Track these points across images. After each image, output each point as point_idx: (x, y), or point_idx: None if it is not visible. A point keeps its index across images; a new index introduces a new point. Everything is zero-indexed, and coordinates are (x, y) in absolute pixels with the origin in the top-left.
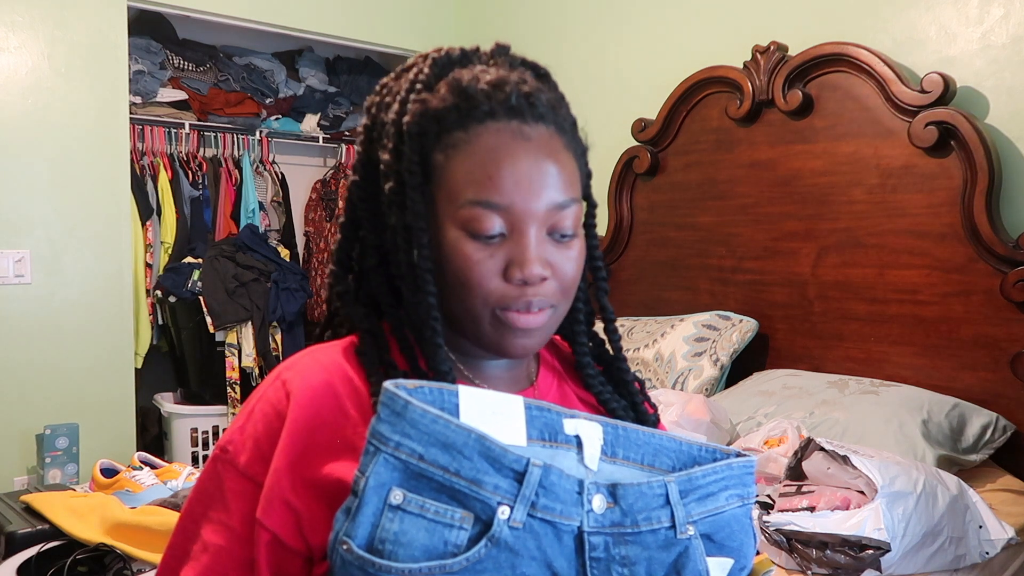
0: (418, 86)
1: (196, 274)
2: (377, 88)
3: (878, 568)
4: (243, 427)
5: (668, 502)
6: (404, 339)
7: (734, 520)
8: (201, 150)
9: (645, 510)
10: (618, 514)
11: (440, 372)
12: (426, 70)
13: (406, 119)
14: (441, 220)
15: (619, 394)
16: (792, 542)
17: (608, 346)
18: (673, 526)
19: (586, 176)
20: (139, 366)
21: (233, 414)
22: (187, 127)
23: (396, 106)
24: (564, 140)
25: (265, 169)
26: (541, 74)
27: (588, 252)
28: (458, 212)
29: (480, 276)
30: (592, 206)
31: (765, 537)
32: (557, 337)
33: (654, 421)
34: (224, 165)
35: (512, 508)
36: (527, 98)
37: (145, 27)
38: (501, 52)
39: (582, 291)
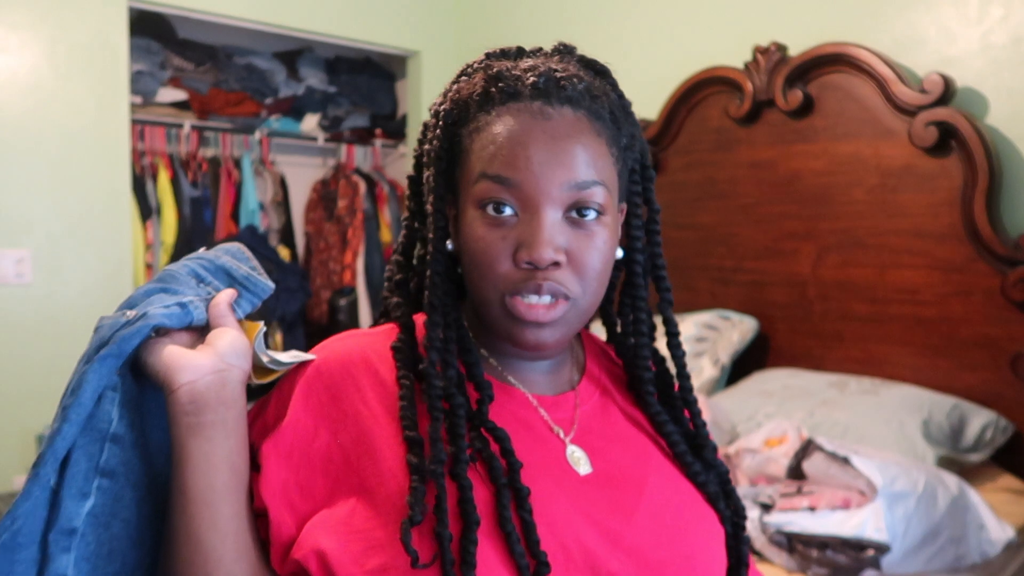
0: (463, 77)
1: None
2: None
3: (878, 568)
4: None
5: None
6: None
7: (167, 272)
8: (201, 150)
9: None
10: None
11: (432, 361)
12: (475, 64)
13: (443, 107)
14: (463, 202)
15: (675, 417)
16: (792, 542)
17: (671, 363)
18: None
19: (645, 179)
20: None
21: None
22: (187, 127)
23: (440, 98)
24: (596, 125)
25: (265, 169)
26: (599, 70)
27: (652, 260)
28: (472, 189)
29: (491, 257)
30: (654, 211)
31: (766, 537)
32: (611, 350)
33: (713, 451)
34: (224, 165)
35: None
36: (556, 82)
37: (145, 27)
38: (562, 50)
39: (644, 301)
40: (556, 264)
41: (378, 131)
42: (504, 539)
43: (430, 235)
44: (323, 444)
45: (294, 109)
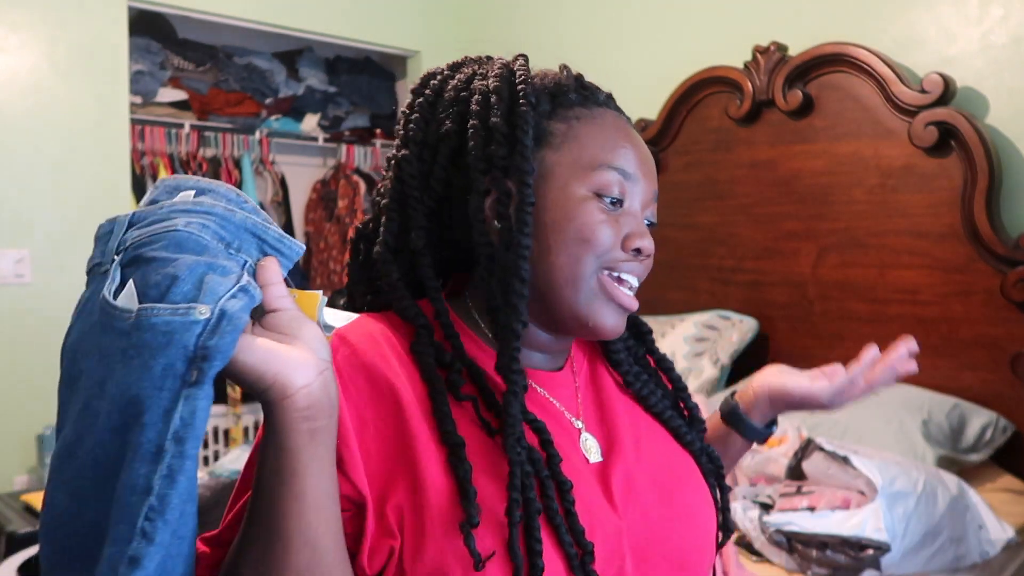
0: (520, 70)
1: None
2: (427, 75)
3: (878, 568)
4: None
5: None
6: (448, 325)
7: (175, 240)
8: (201, 150)
9: (94, 249)
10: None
11: (508, 338)
12: (504, 60)
13: (521, 87)
14: (565, 181)
15: (655, 381)
16: (792, 542)
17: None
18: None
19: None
20: None
21: (234, 414)
22: (187, 127)
23: (493, 80)
24: None
25: (265, 169)
26: None
27: None
28: (591, 174)
29: (602, 236)
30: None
31: (765, 537)
32: None
33: (695, 408)
34: (224, 165)
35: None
36: (610, 97)
37: (145, 27)
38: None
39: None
40: (649, 256)
41: (378, 131)
42: (553, 531)
43: (517, 217)
44: (372, 436)
45: (294, 109)
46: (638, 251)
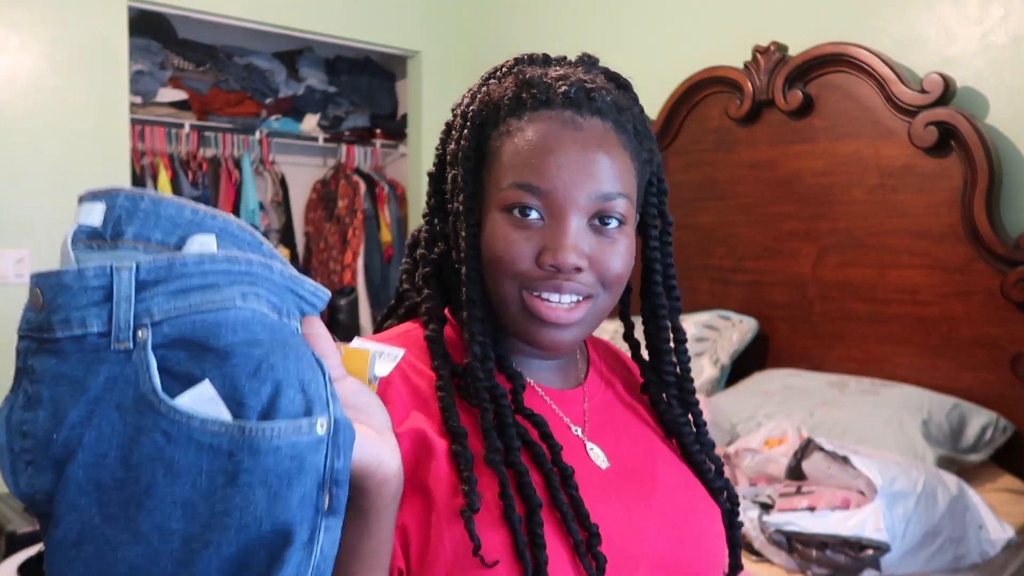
0: (492, 81)
1: None
2: (466, 91)
3: (878, 568)
4: None
5: (109, 298)
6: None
7: (243, 322)
8: (201, 150)
9: (66, 308)
10: (44, 314)
11: (473, 354)
12: (504, 68)
13: (472, 107)
14: (487, 204)
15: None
16: (792, 542)
17: (677, 367)
18: (109, 332)
19: (660, 192)
20: None
21: None
22: (187, 127)
23: (468, 99)
24: (622, 138)
25: (265, 169)
26: (622, 84)
27: (664, 271)
28: (501, 194)
29: (513, 256)
30: (667, 223)
31: (765, 537)
32: (615, 348)
33: (711, 446)
34: (224, 165)
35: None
36: (587, 92)
37: (145, 27)
38: (587, 61)
39: (664, 310)
40: (578, 269)
41: (378, 131)
42: (560, 518)
43: (462, 233)
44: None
45: (294, 109)
46: (556, 267)
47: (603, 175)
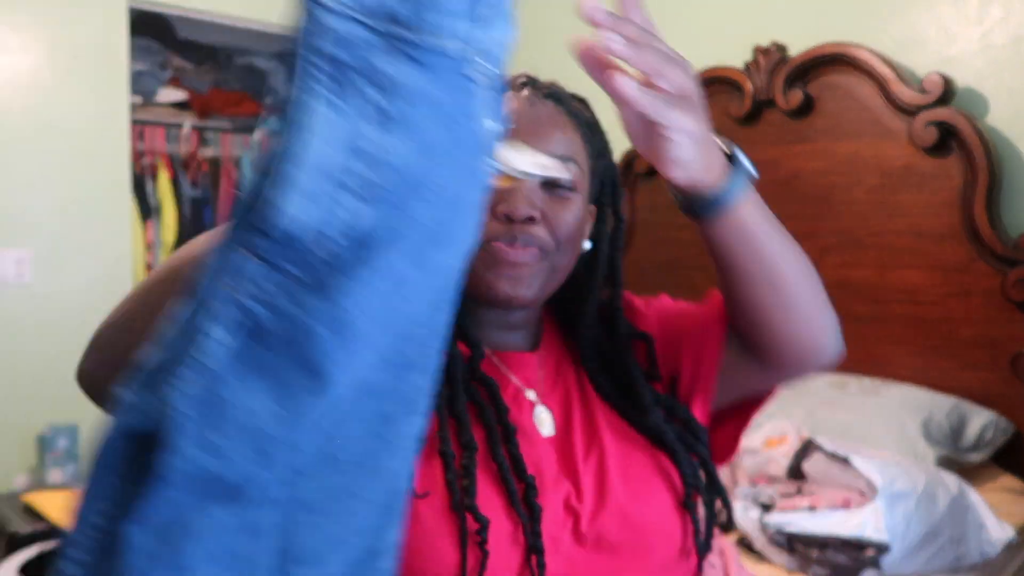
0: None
1: None
2: None
3: (878, 568)
4: None
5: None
6: None
7: None
8: (201, 150)
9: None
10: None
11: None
12: None
13: None
14: None
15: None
16: (792, 542)
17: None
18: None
19: (616, 195)
20: None
21: None
22: (187, 127)
23: None
24: (574, 122)
25: None
26: (583, 99)
27: (611, 263)
28: None
29: None
30: (620, 221)
31: (766, 537)
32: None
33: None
34: (224, 165)
35: None
36: (543, 83)
37: (145, 27)
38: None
39: (594, 296)
40: (531, 219)
41: None
42: (496, 469)
43: None
44: None
45: None
46: (508, 217)
47: (554, 139)
